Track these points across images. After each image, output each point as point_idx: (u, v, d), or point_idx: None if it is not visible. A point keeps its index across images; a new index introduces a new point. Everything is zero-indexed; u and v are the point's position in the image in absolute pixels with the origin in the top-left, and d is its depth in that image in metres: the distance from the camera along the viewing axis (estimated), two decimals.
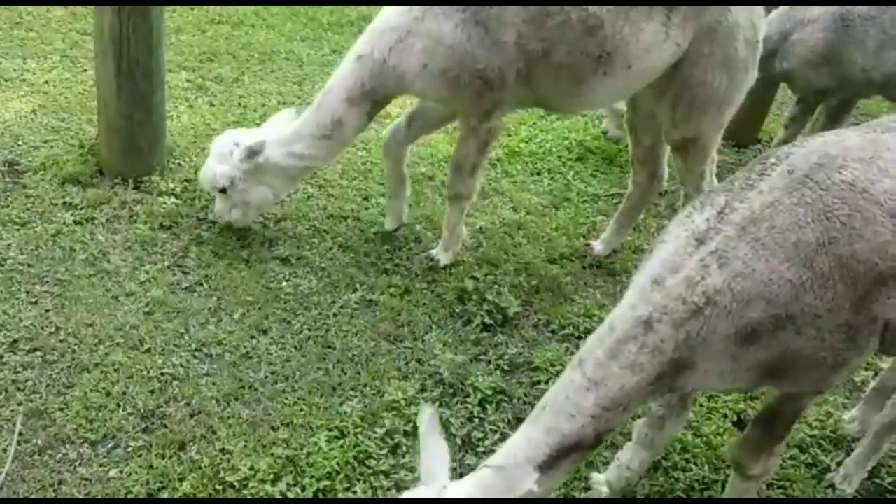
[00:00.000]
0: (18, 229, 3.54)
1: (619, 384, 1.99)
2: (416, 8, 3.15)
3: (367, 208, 4.16)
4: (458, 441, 2.88)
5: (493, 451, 2.76)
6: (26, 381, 2.86)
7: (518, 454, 2.06)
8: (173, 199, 3.90)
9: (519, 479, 2.02)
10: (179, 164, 4.18)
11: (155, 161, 3.96)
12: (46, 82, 4.63)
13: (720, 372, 2.04)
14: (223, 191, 3.54)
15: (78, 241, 3.54)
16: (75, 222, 3.63)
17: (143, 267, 3.48)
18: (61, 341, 3.04)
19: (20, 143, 4.06)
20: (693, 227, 2.05)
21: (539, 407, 2.12)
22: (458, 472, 2.74)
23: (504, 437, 2.87)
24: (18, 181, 3.81)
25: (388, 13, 3.26)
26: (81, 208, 3.72)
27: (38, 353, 2.97)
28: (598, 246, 4.08)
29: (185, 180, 4.05)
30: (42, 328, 3.08)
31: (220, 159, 3.50)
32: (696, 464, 2.87)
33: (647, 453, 2.68)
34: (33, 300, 3.21)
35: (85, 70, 4.87)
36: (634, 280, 2.14)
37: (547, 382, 3.16)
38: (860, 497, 2.84)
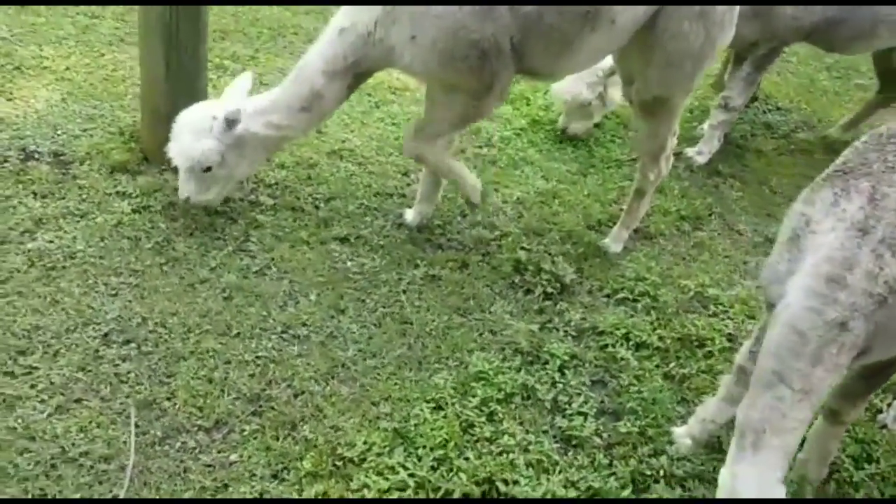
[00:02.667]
0: (79, 221, 3.48)
1: (825, 386, 2.08)
2: None
3: (408, 184, 4.20)
4: (547, 405, 3.01)
5: (580, 414, 2.98)
6: (128, 373, 2.87)
7: (753, 484, 2.06)
8: None
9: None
10: None
11: None
12: (67, 69, 4.49)
13: (884, 352, 2.16)
14: (208, 168, 3.41)
15: (140, 229, 3.51)
16: (133, 211, 3.59)
17: (209, 253, 3.48)
18: (151, 332, 3.05)
19: (59, 132, 3.96)
20: (849, 217, 2.10)
21: (748, 433, 2.11)
22: (551, 434, 2.92)
23: (587, 401, 3.04)
24: (68, 172, 3.73)
25: None
26: (136, 196, 3.67)
27: (133, 345, 2.98)
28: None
29: None
30: (129, 319, 3.08)
31: (200, 135, 3.33)
32: None
33: (733, 409, 2.84)
34: (113, 292, 3.20)
35: (102, 54, 4.74)
36: (790, 283, 2.16)
37: (615, 346, 3.31)
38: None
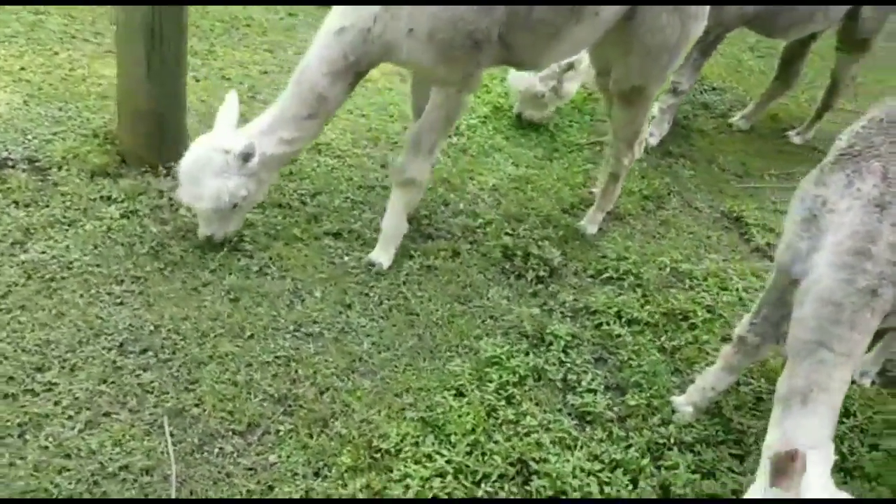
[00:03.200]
0: (68, 229, 3.37)
1: (861, 349, 2.28)
2: None
3: (386, 176, 4.23)
4: (559, 385, 3.15)
5: (590, 391, 3.13)
6: (151, 382, 2.83)
7: (806, 434, 2.21)
8: None
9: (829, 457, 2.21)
10: None
11: (180, 146, 3.82)
12: (22, 69, 4.27)
13: None
14: (234, 204, 3.32)
15: (132, 235, 3.42)
16: (121, 216, 3.49)
17: (206, 255, 3.43)
18: (165, 339, 3.01)
19: (30, 137, 3.78)
20: (865, 196, 2.30)
21: (795, 396, 2.27)
22: (566, 412, 3.06)
23: (594, 378, 3.20)
24: (47, 178, 3.58)
25: None
26: (122, 201, 3.56)
27: (150, 353, 2.93)
28: (598, 192, 4.40)
29: None
30: (140, 328, 3.03)
31: (221, 175, 3.20)
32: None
33: (732, 377, 3.06)
34: (118, 301, 3.12)
35: (56, 53, 4.53)
36: (817, 258, 2.34)
37: (609, 324, 3.48)
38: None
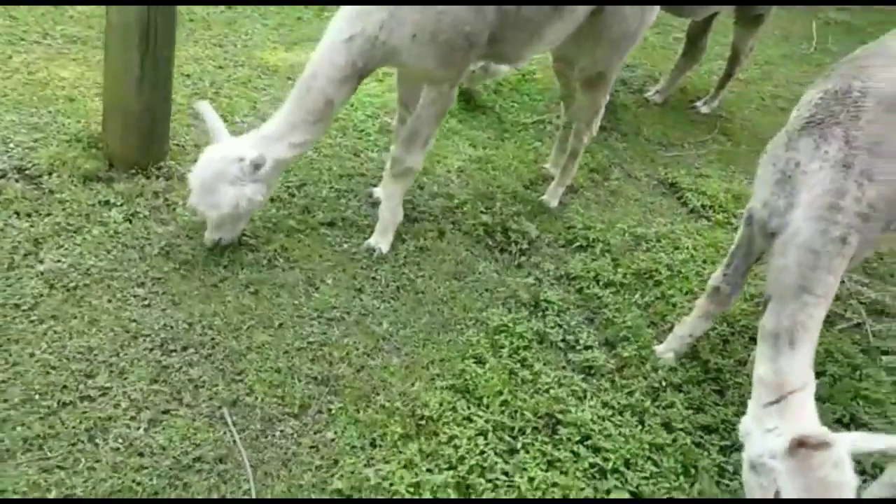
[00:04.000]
0: (75, 236, 3.35)
1: (834, 290, 2.66)
2: None
3: (363, 163, 4.40)
4: (560, 346, 3.48)
5: (587, 347, 3.47)
6: (200, 377, 2.93)
7: (791, 380, 2.58)
8: None
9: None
10: (178, 145, 4.06)
11: (166, 147, 3.85)
12: None
13: (864, 255, 2.77)
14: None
15: (140, 237, 3.45)
16: (125, 219, 3.50)
17: (214, 252, 3.51)
18: (201, 335, 3.10)
19: (11, 146, 3.66)
20: (832, 157, 2.67)
21: (783, 335, 2.62)
22: (571, 368, 3.40)
23: (589, 336, 3.54)
24: (41, 187, 3.52)
25: None
26: (121, 205, 3.56)
27: (192, 350, 3.02)
28: (551, 169, 4.74)
29: (195, 160, 3.96)
30: (174, 327, 3.10)
31: (236, 182, 3.28)
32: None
33: (707, 324, 3.48)
34: (146, 303, 3.17)
35: (9, 56, 4.34)
36: (794, 214, 2.70)
37: (589, 287, 3.83)
38: None
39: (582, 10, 3.55)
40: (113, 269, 3.27)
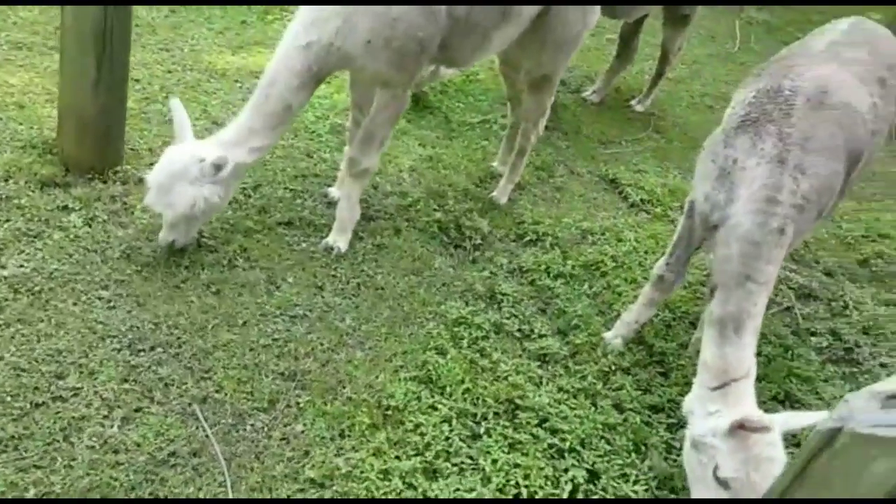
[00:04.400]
0: (35, 241, 3.34)
1: (774, 277, 2.87)
2: None
3: (316, 164, 4.48)
4: (516, 335, 3.63)
5: (542, 336, 3.64)
6: (169, 375, 2.97)
7: (735, 368, 2.78)
8: None
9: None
10: (133, 150, 4.07)
11: (122, 151, 3.86)
12: None
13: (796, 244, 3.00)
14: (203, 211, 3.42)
15: (100, 241, 3.46)
16: (84, 223, 3.51)
17: (175, 253, 3.54)
18: (168, 335, 3.14)
19: None
20: (768, 154, 2.88)
21: (729, 322, 2.81)
22: (527, 356, 3.55)
23: (543, 325, 3.71)
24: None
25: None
26: (80, 209, 3.57)
27: (159, 350, 3.07)
28: (499, 167, 4.90)
29: (151, 164, 3.98)
30: (140, 328, 3.13)
31: (194, 183, 3.30)
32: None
33: (652, 311, 3.69)
34: (111, 305, 3.19)
35: None
36: (734, 208, 2.90)
37: (541, 279, 4.00)
38: None
39: (527, 15, 3.72)
40: (76, 272, 3.28)
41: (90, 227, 3.53)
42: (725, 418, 2.64)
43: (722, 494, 2.57)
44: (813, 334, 4.13)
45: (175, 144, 3.41)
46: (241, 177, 3.58)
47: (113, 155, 3.77)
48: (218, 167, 3.32)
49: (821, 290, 4.49)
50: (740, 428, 2.55)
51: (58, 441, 2.64)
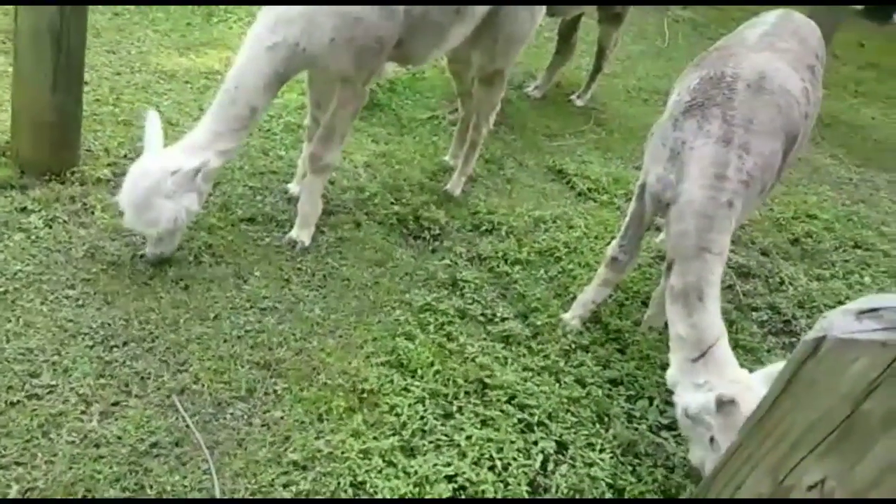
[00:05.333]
0: None
1: (727, 247, 3.04)
2: None
3: (272, 161, 4.51)
4: (480, 319, 3.73)
5: (504, 319, 3.76)
6: (145, 369, 2.98)
7: (708, 334, 2.93)
8: (111, 185, 3.85)
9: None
10: (89, 151, 4.03)
11: (79, 152, 3.82)
12: None
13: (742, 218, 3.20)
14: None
15: (62, 241, 3.43)
16: (45, 224, 3.48)
17: (138, 252, 3.54)
18: (140, 330, 3.14)
19: None
20: (714, 134, 3.06)
21: (692, 293, 2.97)
22: (491, 339, 3.67)
23: (504, 309, 3.83)
24: None
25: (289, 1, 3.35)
26: (39, 210, 3.53)
27: (133, 345, 3.07)
28: (450, 160, 5.02)
29: (108, 165, 3.98)
30: (112, 324, 3.13)
31: (172, 196, 3.27)
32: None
33: (608, 290, 3.85)
34: (79, 303, 3.18)
35: None
36: (686, 185, 3.06)
37: (499, 266, 4.13)
38: None
39: (479, 13, 3.85)
40: (40, 272, 3.25)
41: (51, 227, 3.49)
42: (714, 391, 2.75)
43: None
44: (754, 309, 4.37)
45: (143, 155, 3.36)
46: (212, 180, 3.56)
47: (70, 156, 3.74)
48: (197, 171, 3.30)
49: (758, 268, 4.74)
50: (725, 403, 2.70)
51: (37, 438, 2.63)
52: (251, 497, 2.65)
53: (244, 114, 3.40)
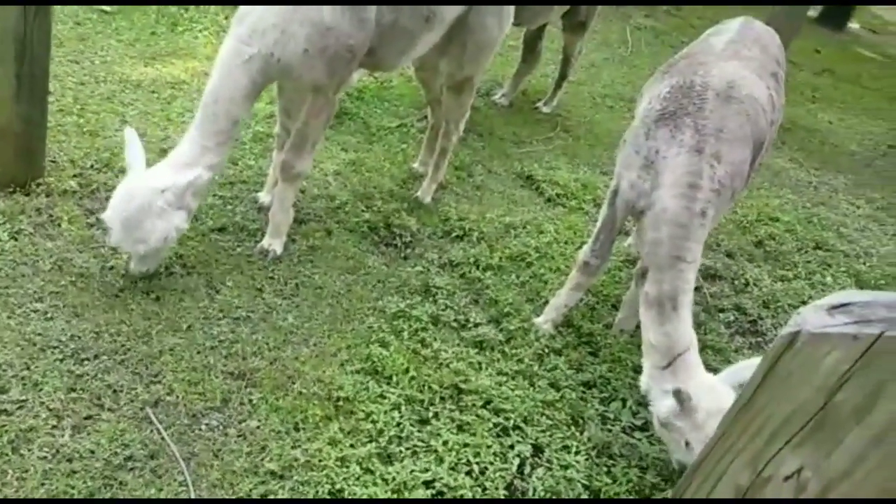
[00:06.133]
0: None
1: (699, 254, 3.11)
2: None
3: (242, 171, 4.49)
4: (453, 325, 3.75)
5: (477, 325, 3.79)
6: (117, 382, 2.94)
7: (679, 343, 3.01)
8: (78, 196, 3.81)
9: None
10: (53, 162, 3.97)
11: (44, 163, 3.77)
12: None
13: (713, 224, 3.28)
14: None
15: (29, 254, 3.38)
16: (10, 237, 3.41)
17: (107, 263, 3.50)
18: (111, 342, 3.10)
19: None
20: (687, 144, 3.12)
21: (666, 301, 3.05)
22: (465, 344, 3.70)
23: (477, 314, 3.86)
24: None
25: (262, 12, 3.35)
26: (3, 222, 3.47)
27: (104, 357, 3.03)
28: (420, 168, 5.05)
29: (74, 176, 3.92)
30: (82, 337, 3.08)
31: (162, 215, 3.24)
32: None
33: (579, 294, 3.90)
34: (47, 317, 3.13)
35: None
36: (660, 193, 3.12)
37: (471, 272, 4.16)
38: None
39: (448, 20, 3.89)
40: (6, 286, 3.20)
41: (16, 240, 3.44)
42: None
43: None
44: (721, 310, 4.46)
45: (128, 175, 3.31)
46: (200, 196, 3.52)
47: (35, 167, 3.68)
48: (189, 188, 3.28)
49: (724, 270, 4.84)
50: (683, 401, 2.77)
51: (6, 454, 2.58)
52: None
53: (227, 126, 3.39)
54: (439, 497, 2.84)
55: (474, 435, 3.13)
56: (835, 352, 1.15)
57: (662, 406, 2.98)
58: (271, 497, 2.69)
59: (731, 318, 4.40)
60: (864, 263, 5.30)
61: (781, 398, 1.25)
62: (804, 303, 4.36)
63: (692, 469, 1.52)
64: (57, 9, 5.51)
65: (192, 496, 2.64)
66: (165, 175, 3.28)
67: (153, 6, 6.24)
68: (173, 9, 6.33)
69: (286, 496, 2.70)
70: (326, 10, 3.37)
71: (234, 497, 2.67)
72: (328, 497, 2.73)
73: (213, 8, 6.58)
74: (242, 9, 3.43)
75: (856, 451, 1.18)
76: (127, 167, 3.34)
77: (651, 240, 3.20)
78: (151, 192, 3.21)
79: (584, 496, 3.02)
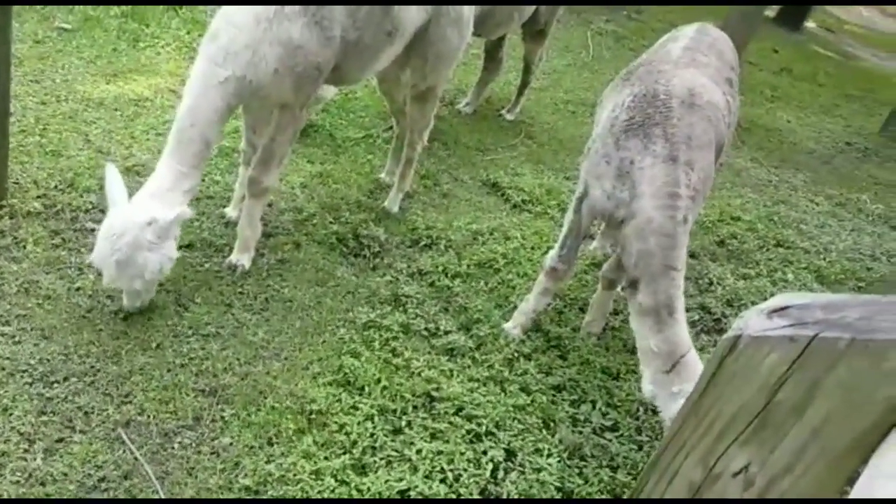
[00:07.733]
0: None
1: (686, 259, 3.19)
2: (263, 19, 3.35)
3: (208, 186, 4.50)
4: (424, 333, 3.81)
5: (447, 332, 3.86)
6: (88, 404, 2.96)
7: (680, 346, 3.08)
8: (43, 217, 3.80)
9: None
10: (16, 183, 3.96)
11: (6, 185, 3.76)
12: None
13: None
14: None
15: None
16: None
17: (74, 283, 3.51)
18: (80, 364, 3.11)
19: None
20: (660, 153, 3.17)
21: (662, 309, 3.09)
22: (436, 352, 3.75)
23: (447, 322, 3.92)
24: None
25: (233, 34, 3.36)
26: None
27: (74, 380, 3.04)
28: (387, 178, 5.10)
29: (38, 197, 3.92)
30: (51, 360, 3.09)
31: (154, 248, 3.23)
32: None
33: (547, 299, 3.97)
34: (15, 340, 3.13)
35: None
36: (641, 204, 3.16)
37: (440, 280, 4.22)
38: None
39: (409, 34, 3.96)
40: None
41: None
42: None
43: None
44: (686, 310, 4.55)
45: (111, 211, 3.27)
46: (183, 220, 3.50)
47: None
48: (178, 218, 3.30)
49: (688, 270, 4.87)
50: None
51: None
52: None
53: (201, 150, 3.41)
54: None
55: (447, 442, 3.18)
56: (773, 354, 1.23)
57: (674, 408, 3.02)
58: None
59: (696, 317, 4.50)
60: (824, 259, 5.45)
61: (727, 398, 1.33)
62: (766, 300, 4.48)
63: (649, 466, 1.59)
64: (15, 27, 5.48)
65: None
66: (147, 207, 3.25)
67: (113, 23, 6.22)
68: (134, 25, 6.32)
69: None
70: (295, 30, 3.41)
71: None
72: None
73: (174, 24, 6.58)
74: (213, 28, 3.45)
75: (796, 446, 1.25)
76: (109, 204, 3.29)
77: (640, 251, 3.23)
78: (139, 227, 3.17)
79: (558, 498, 3.09)
